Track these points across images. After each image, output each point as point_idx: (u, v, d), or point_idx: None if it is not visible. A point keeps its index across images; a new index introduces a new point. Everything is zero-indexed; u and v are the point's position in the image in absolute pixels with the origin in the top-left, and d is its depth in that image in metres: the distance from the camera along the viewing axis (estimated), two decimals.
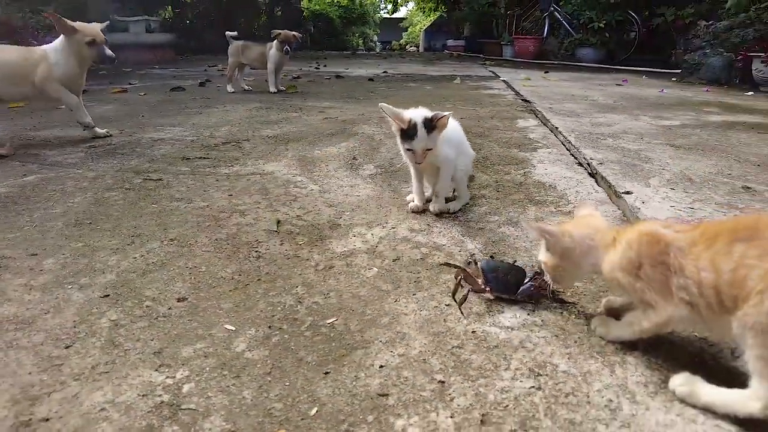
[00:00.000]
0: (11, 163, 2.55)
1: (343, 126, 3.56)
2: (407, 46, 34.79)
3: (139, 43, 10.12)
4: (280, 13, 19.05)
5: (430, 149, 1.71)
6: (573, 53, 11.56)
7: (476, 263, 1.30)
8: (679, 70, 8.89)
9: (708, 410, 0.86)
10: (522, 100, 4.96)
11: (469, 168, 1.94)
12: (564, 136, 3.21)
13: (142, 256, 1.48)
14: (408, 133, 1.71)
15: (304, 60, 11.55)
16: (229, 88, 5.47)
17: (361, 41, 30.51)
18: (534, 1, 14.11)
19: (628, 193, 2.08)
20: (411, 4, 31.57)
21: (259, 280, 1.34)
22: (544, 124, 3.68)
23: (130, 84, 6.26)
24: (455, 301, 1.21)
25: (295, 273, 1.38)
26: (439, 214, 1.82)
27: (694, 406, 0.87)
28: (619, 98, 5.26)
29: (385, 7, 33.35)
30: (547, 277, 1.16)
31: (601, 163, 2.54)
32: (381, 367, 0.97)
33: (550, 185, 2.18)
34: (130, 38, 10.01)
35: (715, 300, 0.86)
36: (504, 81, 6.88)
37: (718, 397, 0.86)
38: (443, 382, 0.93)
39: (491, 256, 1.37)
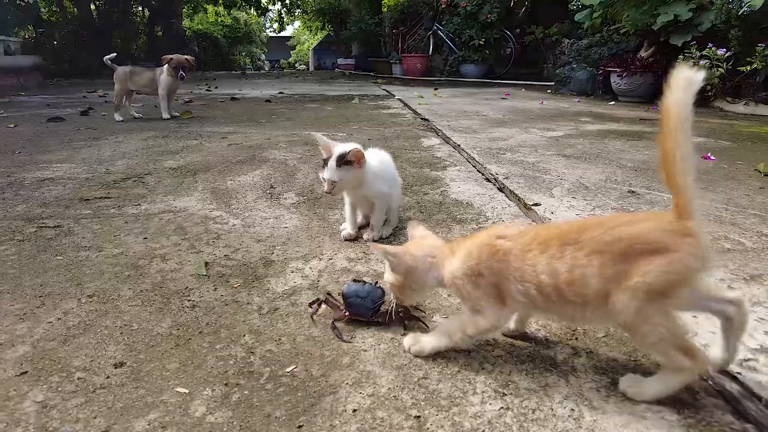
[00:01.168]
0: None
1: (251, 152, 3.46)
2: (296, 65, 34.72)
3: None
4: (160, 33, 18.11)
5: (335, 182, 1.71)
6: (457, 69, 12.29)
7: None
8: (552, 83, 9.84)
9: (656, 402, 0.96)
10: (421, 118, 5.16)
11: (400, 196, 1.99)
12: (468, 153, 3.39)
13: (59, 319, 1.32)
14: (324, 161, 1.72)
15: (193, 82, 11.07)
16: (117, 117, 5.09)
17: (248, 60, 29.92)
18: (416, 20, 14.81)
19: (536, 204, 2.25)
20: (297, 23, 31.59)
21: (200, 332, 1.26)
22: (447, 142, 3.86)
23: None
24: (312, 319, 1.32)
25: (238, 320, 1.32)
26: (372, 241, 1.85)
27: (642, 402, 0.97)
28: (507, 112, 5.68)
29: (271, 26, 33.06)
30: (392, 297, 1.24)
31: (506, 178, 2.72)
32: (354, 411, 0.96)
33: (467, 203, 2.29)
34: None
35: (556, 296, 0.98)
36: (399, 99, 7.12)
37: (661, 386, 0.97)
38: (419, 416, 0.94)
39: (354, 279, 1.42)
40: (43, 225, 2.07)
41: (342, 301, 1.31)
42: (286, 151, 3.53)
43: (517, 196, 2.40)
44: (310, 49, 28.59)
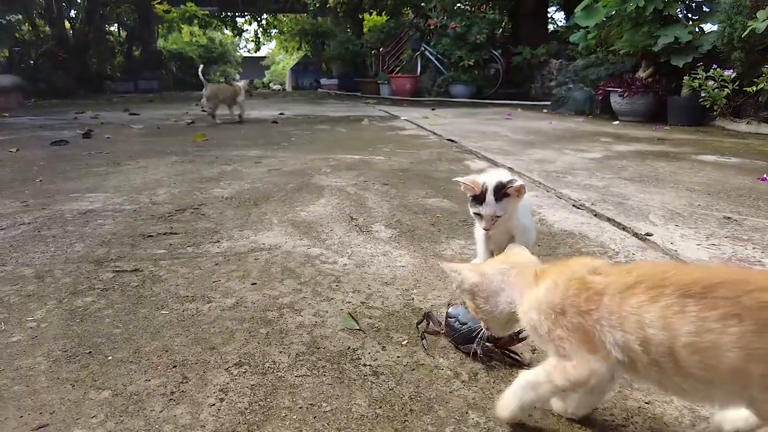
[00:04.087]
0: None
1: (298, 179, 3.24)
2: (270, 84, 34.51)
3: None
4: (138, 53, 17.64)
5: (499, 216, 1.56)
6: (446, 90, 12.31)
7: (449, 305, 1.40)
8: (542, 102, 9.94)
9: None
10: (447, 140, 5.03)
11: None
12: (528, 177, 3.25)
13: (221, 400, 1.07)
14: (475, 197, 1.55)
15: (180, 101, 10.71)
16: (217, 120, 6.58)
17: (223, 80, 29.50)
18: (399, 40, 14.84)
19: (649, 235, 2.11)
20: (273, 44, 31.43)
21: (412, 411, 1.03)
22: (495, 164, 3.72)
23: None
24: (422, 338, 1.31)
25: (444, 390, 1.10)
26: None
27: None
28: (525, 133, 5.61)
29: (245, 46, 32.78)
30: (481, 324, 1.09)
31: (593, 204, 2.59)
32: None
33: (579, 233, 2.13)
34: None
35: (671, 361, 0.77)
36: (407, 120, 7.00)
37: None
38: None
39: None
40: (118, 269, 1.80)
41: (444, 320, 1.30)
42: (335, 177, 3.31)
43: (621, 224, 2.26)
44: (288, 69, 28.40)
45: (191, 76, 22.60)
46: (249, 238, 2.10)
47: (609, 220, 2.33)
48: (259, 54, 33.40)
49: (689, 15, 7.26)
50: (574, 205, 2.60)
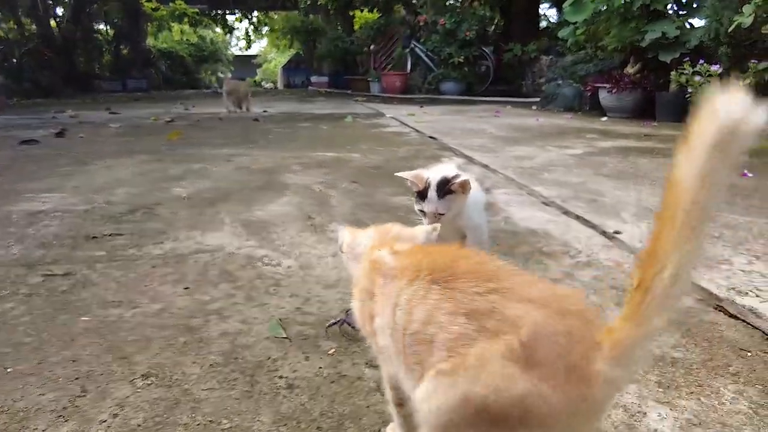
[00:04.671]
0: None
1: (266, 177, 3.13)
2: (262, 83, 34.39)
3: None
4: (126, 51, 17.48)
5: (442, 215, 1.45)
6: (437, 87, 12.21)
7: None
8: (532, 99, 9.85)
9: None
10: (428, 137, 4.93)
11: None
12: (503, 174, 3.16)
13: (115, 415, 0.97)
14: (419, 193, 1.45)
15: (166, 101, 10.59)
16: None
17: (214, 79, 29.35)
18: (390, 37, 14.72)
19: (617, 233, 2.02)
20: (264, 42, 31.28)
21: (319, 429, 0.94)
22: (472, 162, 3.63)
23: None
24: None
25: (360, 405, 1.00)
26: None
27: None
28: (510, 130, 5.51)
29: (237, 44, 32.61)
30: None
31: (564, 201, 2.49)
32: None
33: (543, 232, 2.04)
34: None
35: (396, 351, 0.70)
36: (393, 118, 6.89)
37: None
38: None
39: None
40: (49, 273, 1.70)
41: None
42: (304, 174, 3.21)
43: (589, 222, 2.17)
44: (279, 67, 28.26)
45: (181, 74, 22.46)
46: (195, 239, 2.00)
47: (578, 217, 2.24)
48: (250, 52, 33.24)
49: (678, 10, 7.19)
50: (543, 203, 2.50)
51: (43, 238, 2.05)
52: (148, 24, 20.74)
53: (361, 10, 17.58)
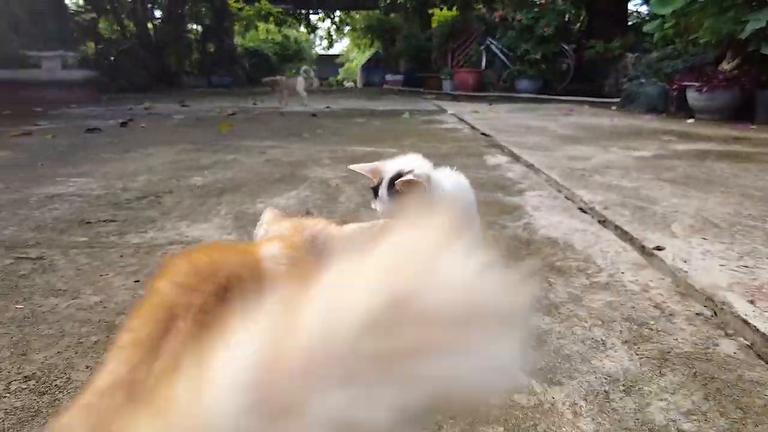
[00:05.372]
0: None
1: (290, 169, 3.01)
2: (344, 82, 35.09)
3: (54, 81, 9.16)
4: (212, 49, 18.41)
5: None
6: (512, 85, 11.68)
7: None
8: (614, 99, 9.09)
9: None
10: (481, 134, 4.62)
11: (480, 237, 1.44)
12: (546, 174, 2.82)
13: None
14: (374, 190, 1.21)
15: (241, 96, 10.96)
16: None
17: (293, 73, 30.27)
18: (467, 35, 14.32)
19: (659, 249, 1.66)
20: (346, 41, 31.85)
21: None
22: (517, 160, 3.30)
23: (36, 125, 5.42)
24: None
25: None
26: None
27: None
28: (576, 129, 5.05)
29: (321, 44, 33.44)
30: None
31: (606, 207, 2.13)
32: None
33: (565, 243, 1.72)
34: (42, 75, 9.05)
35: None
36: (453, 114, 6.60)
37: None
38: None
39: None
40: (23, 255, 1.65)
41: None
42: (330, 168, 3.06)
43: (628, 234, 1.81)
44: (359, 66, 28.62)
45: (265, 72, 23.33)
46: (178, 230, 1.89)
47: (615, 228, 1.89)
48: (334, 52, 33.97)
49: None
50: (580, 209, 2.16)
51: (41, 221, 2.04)
52: (236, 23, 21.77)
53: (441, 8, 17.32)
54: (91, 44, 13.84)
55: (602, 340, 1.11)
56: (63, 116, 6.50)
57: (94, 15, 13.83)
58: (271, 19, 24.15)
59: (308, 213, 2.03)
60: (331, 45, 29.26)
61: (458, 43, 14.63)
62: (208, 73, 17.61)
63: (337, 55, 37.41)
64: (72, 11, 13.81)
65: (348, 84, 31.78)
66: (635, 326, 1.16)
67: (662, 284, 1.39)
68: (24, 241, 1.80)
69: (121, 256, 1.64)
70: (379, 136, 4.56)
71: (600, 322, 1.19)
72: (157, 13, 17.71)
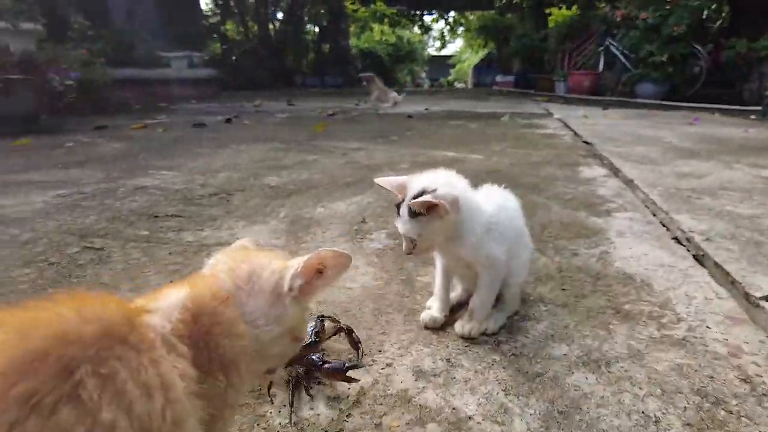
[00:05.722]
0: None
1: (365, 173, 2.95)
2: (455, 83, 34.81)
3: (181, 79, 10.08)
4: (327, 50, 19.14)
5: (413, 240, 1.05)
6: (632, 89, 10.70)
7: None
8: (755, 107, 7.91)
9: None
10: (583, 141, 4.23)
11: (527, 265, 1.26)
12: (644, 193, 2.46)
13: None
14: (398, 207, 1.08)
15: (348, 96, 11.22)
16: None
17: (409, 78, 30.56)
18: (586, 35, 13.39)
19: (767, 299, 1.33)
20: (459, 41, 31.53)
21: None
22: (615, 174, 2.94)
23: (154, 119, 5.96)
24: None
25: None
26: (469, 338, 1.14)
27: None
28: (698, 140, 4.43)
29: (433, 45, 33.42)
30: None
31: (708, 239, 1.79)
32: None
33: (642, 280, 1.45)
34: (171, 73, 9.99)
35: None
36: (559, 119, 6.16)
37: None
38: None
39: None
40: (89, 245, 1.75)
41: None
42: (405, 174, 2.94)
43: (729, 276, 1.49)
44: (470, 67, 28.16)
45: (377, 73, 23.81)
46: (233, 230, 1.90)
47: (715, 265, 1.56)
48: (446, 53, 33.79)
49: None
50: (675, 238, 1.83)
51: (118, 212, 2.17)
52: (352, 25, 22.47)
53: (559, 7, 16.41)
54: (217, 45, 15.03)
55: (656, 416, 0.88)
56: (181, 111, 7.09)
57: (219, 17, 15.00)
58: (386, 20, 24.60)
59: (363, 221, 1.95)
60: (443, 46, 29.14)
61: (576, 43, 13.74)
62: (322, 73, 18.33)
63: (450, 56, 37.18)
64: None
65: (459, 85, 31.44)
66: (707, 404, 0.91)
67: (762, 350, 1.10)
68: (96, 230, 1.92)
69: (170, 253, 1.67)
70: (469, 140, 4.36)
71: (660, 392, 0.95)
72: (279, 15, 18.83)
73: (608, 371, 1.01)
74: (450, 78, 36.13)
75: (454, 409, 0.90)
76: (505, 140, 4.30)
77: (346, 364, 0.99)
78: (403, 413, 0.89)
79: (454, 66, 37.47)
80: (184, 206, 2.25)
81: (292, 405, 0.92)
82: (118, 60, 8.88)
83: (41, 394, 0.39)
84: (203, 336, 0.55)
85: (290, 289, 0.64)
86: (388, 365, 1.04)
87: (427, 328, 1.19)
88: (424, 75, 34.51)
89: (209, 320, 0.56)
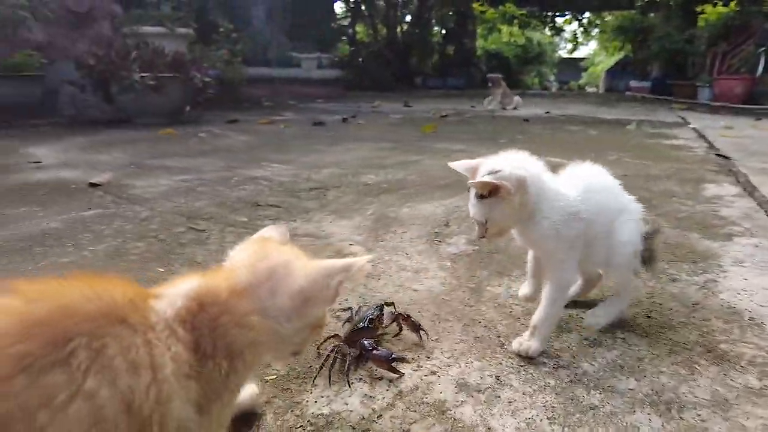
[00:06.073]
0: (97, 193, 2.43)
1: (461, 175, 2.90)
2: (586, 87, 32.87)
3: (309, 79, 10.71)
4: (451, 52, 19.11)
5: (482, 224, 1.04)
6: None
7: None
8: None
9: None
10: (717, 155, 3.75)
11: (632, 247, 1.15)
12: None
13: None
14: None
15: (467, 98, 11.11)
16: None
17: (537, 80, 29.43)
18: (746, 34, 11.80)
19: None
20: (593, 44, 29.63)
21: None
22: (750, 194, 2.57)
23: (281, 116, 6.41)
24: None
25: None
26: (526, 357, 1.08)
27: None
28: None
29: (565, 47, 31.80)
30: None
31: None
32: None
33: (751, 318, 1.26)
34: (301, 74, 10.66)
35: None
36: (694, 129, 5.52)
37: None
38: None
39: None
40: (194, 226, 1.94)
41: None
42: None
43: None
44: (603, 70, 26.34)
45: (502, 75, 23.23)
46: (320, 224, 1.99)
47: None
48: (577, 55, 32.00)
49: None
50: None
51: (227, 198, 2.37)
52: (479, 26, 22.17)
53: (714, 4, 14.67)
54: (346, 47, 15.73)
55: None
56: (306, 110, 7.53)
57: (348, 20, 15.66)
58: (515, 21, 23.86)
59: (446, 224, 1.92)
60: (575, 48, 27.57)
61: (733, 44, 12.19)
62: (445, 74, 18.34)
63: (581, 59, 35.14)
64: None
65: (590, 89, 29.60)
66: None
67: None
68: (203, 213, 2.12)
69: None
70: (583, 146, 4.09)
71: None
72: (407, 18, 19.18)
73: (680, 417, 0.89)
74: (581, 81, 34.15)
75: (489, 428, 0.86)
76: (624, 149, 3.96)
77: (393, 356, 1.00)
78: (434, 424, 0.87)
79: (585, 69, 35.36)
80: (285, 197, 2.40)
81: (330, 378, 0.98)
82: (255, 60, 9.71)
83: (34, 357, 0.44)
84: (209, 323, 0.58)
85: (332, 294, 0.65)
86: (433, 373, 1.01)
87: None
88: (552, 78, 33.00)
89: (218, 310, 0.59)
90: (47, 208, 2.17)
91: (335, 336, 1.07)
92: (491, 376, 1.00)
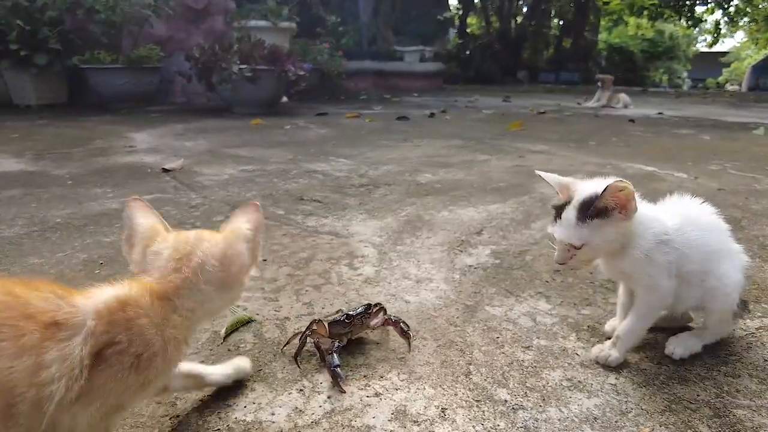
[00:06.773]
0: (165, 178, 2.64)
1: (524, 179, 2.72)
2: (726, 84, 29.40)
3: (411, 72, 10.73)
4: (568, 45, 18.05)
5: (575, 247, 0.98)
6: None
7: None
8: None
9: None
10: None
11: (736, 294, 1.05)
12: None
13: None
14: (557, 210, 1.01)
15: (576, 94, 10.42)
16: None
17: (665, 77, 26.84)
18: None
19: None
20: (740, 35, 26.29)
21: None
22: None
23: (371, 110, 6.49)
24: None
25: None
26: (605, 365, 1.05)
27: None
28: None
29: (704, 40, 28.57)
30: None
31: None
32: None
33: None
34: (403, 67, 10.71)
35: None
36: None
37: None
38: None
39: None
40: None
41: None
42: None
43: None
44: (749, 66, 23.27)
45: (625, 70, 21.41)
46: (348, 222, 1.97)
47: None
48: (718, 49, 28.62)
49: None
50: None
51: (276, 191, 2.45)
52: (602, 18, 20.67)
53: None
54: (455, 39, 15.49)
55: None
56: (399, 103, 7.55)
57: (461, 12, 15.38)
58: (645, 12, 21.85)
59: (479, 232, 1.81)
60: (716, 41, 24.61)
61: None
62: (558, 68, 17.38)
63: (723, 53, 31.39)
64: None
65: (731, 87, 26.42)
66: None
67: None
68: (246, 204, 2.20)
69: (284, 234, 1.82)
70: (686, 154, 3.63)
71: None
72: (524, 9, 18.42)
73: None
74: (720, 78, 30.55)
75: None
76: (736, 158, 3.45)
77: (336, 365, 0.96)
78: None
79: (727, 65, 31.51)
80: (330, 193, 2.41)
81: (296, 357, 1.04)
82: (359, 53, 9.92)
83: None
84: (125, 323, 0.62)
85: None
86: (377, 395, 0.95)
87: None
88: (685, 74, 29.86)
89: (135, 312, 0.63)
90: (118, 189, 2.39)
91: (316, 322, 1.06)
92: (437, 408, 0.92)
